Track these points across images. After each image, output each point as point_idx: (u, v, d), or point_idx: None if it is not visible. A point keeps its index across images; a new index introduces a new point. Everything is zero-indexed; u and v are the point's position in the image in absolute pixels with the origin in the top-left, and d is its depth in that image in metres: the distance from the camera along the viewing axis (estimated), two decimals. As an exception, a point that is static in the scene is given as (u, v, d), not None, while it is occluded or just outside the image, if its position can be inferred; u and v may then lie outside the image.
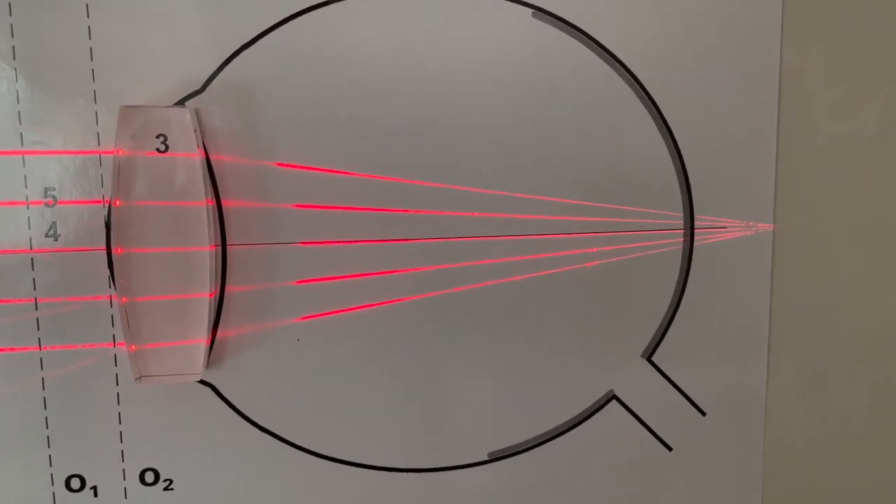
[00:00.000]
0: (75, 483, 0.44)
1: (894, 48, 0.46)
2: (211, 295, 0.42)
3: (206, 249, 0.42)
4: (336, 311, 0.44)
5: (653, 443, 0.48)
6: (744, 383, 0.49)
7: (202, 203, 0.42)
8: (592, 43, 0.44)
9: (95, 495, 0.44)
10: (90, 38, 0.41)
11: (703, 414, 0.49)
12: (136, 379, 0.42)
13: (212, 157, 0.42)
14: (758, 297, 0.48)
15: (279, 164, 0.43)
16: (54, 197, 0.41)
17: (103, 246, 0.42)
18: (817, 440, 0.50)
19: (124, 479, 0.44)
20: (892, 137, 0.47)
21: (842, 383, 0.50)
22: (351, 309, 0.44)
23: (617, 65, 0.45)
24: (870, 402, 0.50)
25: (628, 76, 0.45)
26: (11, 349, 0.42)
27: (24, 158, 0.41)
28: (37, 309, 0.42)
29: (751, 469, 0.49)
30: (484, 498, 0.47)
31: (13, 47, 0.40)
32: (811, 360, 0.49)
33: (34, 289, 0.42)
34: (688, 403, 0.48)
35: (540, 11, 0.44)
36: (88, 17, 0.41)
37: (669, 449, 0.49)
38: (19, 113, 0.41)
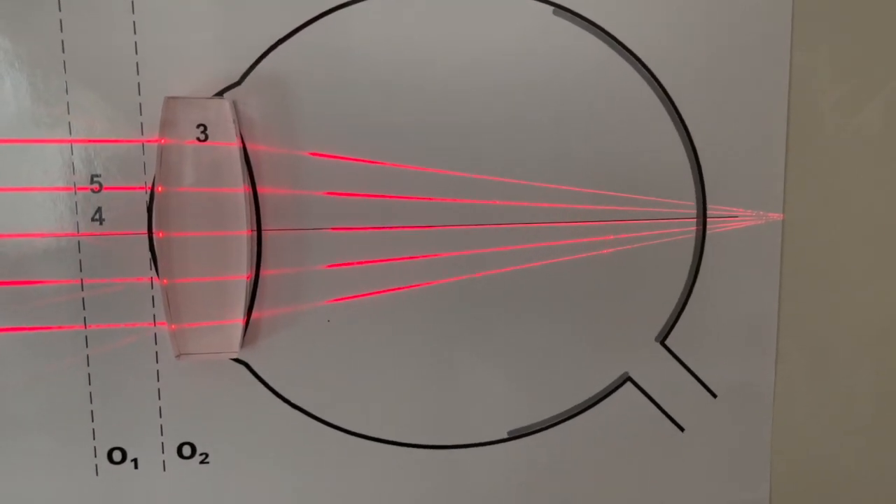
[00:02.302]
0: (117, 455, 0.46)
1: (899, 45, 0.49)
2: (247, 277, 0.44)
3: (242, 234, 0.44)
4: (364, 295, 0.47)
5: (665, 423, 0.50)
6: (753, 367, 0.50)
7: (239, 190, 0.44)
8: (610, 39, 0.46)
9: (136, 467, 0.46)
10: (135, 33, 0.43)
11: (714, 396, 0.51)
12: (175, 356, 0.44)
13: (248, 147, 0.44)
14: (767, 284, 0.50)
15: (312, 154, 0.45)
16: (100, 183, 0.44)
17: (145, 230, 0.44)
18: (823, 422, 0.52)
19: (163, 452, 0.46)
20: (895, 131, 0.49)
21: (847, 369, 0.51)
22: (378, 292, 0.47)
23: (633, 60, 0.47)
24: (873, 387, 0.52)
25: (644, 71, 0.47)
26: (58, 327, 0.44)
27: (72, 147, 0.43)
28: (82, 289, 0.44)
29: (759, 449, 0.51)
30: (503, 473, 0.50)
31: (62, 41, 0.43)
32: (818, 346, 0.51)
33: (80, 270, 0.44)
34: (699, 386, 0.50)
35: (560, 9, 0.46)
36: (133, 13, 0.43)
37: (681, 429, 0.51)
38: (68, 104, 0.43)
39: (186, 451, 0.47)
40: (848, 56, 0.48)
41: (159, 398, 0.46)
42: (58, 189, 0.43)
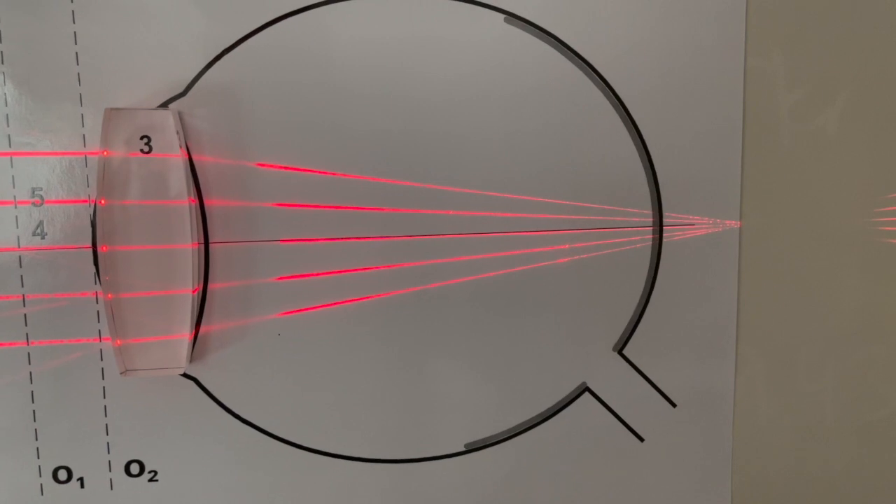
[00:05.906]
0: (62, 474, 0.45)
1: (852, 53, 0.48)
2: (194, 291, 0.44)
3: (188, 247, 0.43)
4: (315, 307, 0.46)
5: (625, 434, 0.50)
6: (713, 375, 0.50)
7: (185, 202, 0.43)
8: (563, 47, 0.46)
9: (82, 486, 0.45)
10: (76, 42, 0.42)
11: (674, 405, 0.50)
12: (121, 373, 0.43)
13: (194, 158, 0.44)
14: (725, 292, 0.49)
15: (260, 165, 0.44)
16: (41, 197, 0.43)
17: (89, 244, 0.43)
18: (784, 430, 0.51)
19: (110, 470, 0.45)
20: (851, 137, 0.49)
21: (807, 374, 0.51)
22: (330, 305, 0.46)
23: (587, 68, 0.46)
24: (833, 393, 0.51)
25: (598, 79, 0.46)
26: (0, 344, 0.43)
27: (11, 159, 0.42)
28: (24, 305, 0.43)
29: (720, 458, 0.51)
30: (461, 487, 0.49)
31: (1, 52, 0.42)
32: (778, 352, 0.51)
33: (22, 286, 0.43)
34: (658, 395, 0.50)
35: (512, 17, 0.45)
36: (74, 22, 0.42)
37: (641, 440, 0.50)
38: (7, 116, 0.42)
39: (134, 469, 0.45)
40: (803, 62, 0.48)
41: (106, 415, 0.45)
42: (-3, 203, 0.42)
